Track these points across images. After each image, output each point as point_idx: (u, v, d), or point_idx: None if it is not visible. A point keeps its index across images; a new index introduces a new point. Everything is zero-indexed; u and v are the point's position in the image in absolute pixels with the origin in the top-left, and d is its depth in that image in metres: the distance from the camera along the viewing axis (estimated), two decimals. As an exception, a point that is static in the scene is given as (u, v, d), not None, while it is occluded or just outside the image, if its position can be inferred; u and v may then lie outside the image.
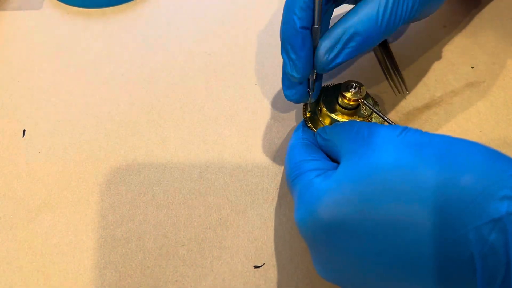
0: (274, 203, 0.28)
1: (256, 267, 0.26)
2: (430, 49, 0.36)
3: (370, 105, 0.26)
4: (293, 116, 0.33)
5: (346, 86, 0.26)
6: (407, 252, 0.18)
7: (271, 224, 0.28)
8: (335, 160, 0.24)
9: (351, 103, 0.26)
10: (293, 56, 0.23)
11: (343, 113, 0.27)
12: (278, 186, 0.29)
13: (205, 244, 0.27)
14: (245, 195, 0.29)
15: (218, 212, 0.28)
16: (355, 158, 0.21)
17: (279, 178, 0.30)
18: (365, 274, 0.19)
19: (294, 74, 0.24)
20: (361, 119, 0.27)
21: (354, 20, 0.23)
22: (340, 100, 0.26)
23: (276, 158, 0.30)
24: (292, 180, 0.24)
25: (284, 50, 0.24)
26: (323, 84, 0.29)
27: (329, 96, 0.27)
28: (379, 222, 0.18)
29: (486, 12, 0.39)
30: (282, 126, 0.32)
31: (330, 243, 0.20)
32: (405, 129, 0.20)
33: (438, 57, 0.36)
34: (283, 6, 0.24)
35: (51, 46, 0.38)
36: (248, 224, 0.28)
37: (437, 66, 0.35)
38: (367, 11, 0.23)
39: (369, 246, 0.19)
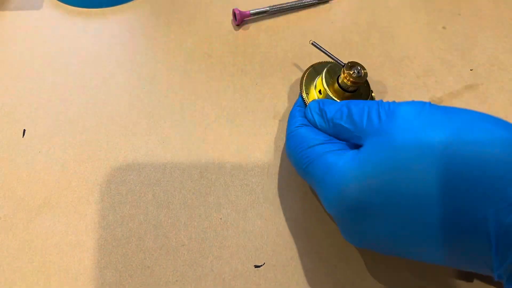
0: (275, 203, 0.29)
1: (256, 266, 0.26)
2: (430, 50, 0.37)
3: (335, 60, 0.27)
4: (293, 116, 0.33)
5: (350, 66, 0.26)
6: (431, 227, 0.19)
7: (271, 224, 0.28)
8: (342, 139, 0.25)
9: (349, 83, 0.26)
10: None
11: (339, 94, 0.27)
12: (278, 185, 0.29)
13: (205, 244, 0.27)
14: (246, 194, 0.29)
15: (219, 212, 0.28)
16: (378, 139, 0.21)
17: (278, 177, 0.30)
18: (391, 242, 0.21)
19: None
20: None
21: None
22: (340, 78, 0.27)
23: (276, 158, 0.31)
24: (305, 167, 0.24)
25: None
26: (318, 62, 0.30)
27: (331, 73, 0.28)
28: (404, 202, 0.19)
29: (486, 14, 0.39)
30: (282, 126, 0.32)
31: (358, 219, 0.21)
32: (424, 105, 0.21)
33: (438, 58, 0.36)
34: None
35: (51, 46, 0.38)
36: (248, 223, 0.28)
37: (437, 68, 0.35)
38: None
39: (395, 222, 0.20)
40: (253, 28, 0.39)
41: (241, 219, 0.28)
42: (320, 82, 0.28)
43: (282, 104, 0.33)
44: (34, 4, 0.41)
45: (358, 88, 0.27)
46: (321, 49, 0.30)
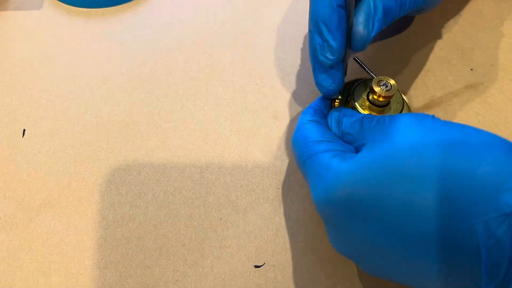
0: (275, 203, 0.29)
1: (256, 267, 0.26)
2: (430, 50, 0.37)
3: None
4: (293, 115, 0.33)
5: (377, 82, 0.26)
6: (417, 236, 0.18)
7: (271, 224, 0.28)
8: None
9: (380, 99, 0.26)
10: (328, 36, 0.24)
11: (372, 110, 0.27)
12: (278, 185, 0.29)
13: (205, 244, 0.27)
14: (246, 194, 0.29)
15: (219, 212, 0.28)
16: (376, 143, 0.21)
17: (279, 177, 0.30)
18: (376, 251, 0.20)
19: (329, 55, 0.24)
20: None
21: None
22: (370, 96, 0.27)
23: (276, 158, 0.31)
24: (304, 159, 0.24)
25: (317, 31, 0.24)
26: (354, 78, 0.30)
27: (360, 91, 0.28)
28: (393, 205, 0.19)
29: (486, 13, 0.39)
30: (282, 126, 0.32)
31: (345, 221, 0.21)
32: (426, 116, 0.21)
33: (438, 58, 0.36)
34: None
35: (51, 46, 0.38)
36: (248, 224, 0.28)
37: (437, 67, 0.35)
38: None
39: (382, 227, 0.19)
40: (252, 27, 0.39)
41: (241, 219, 0.28)
42: (354, 106, 0.28)
43: (282, 104, 0.33)
44: (34, 4, 0.41)
45: (389, 101, 0.27)
46: (362, 64, 0.30)
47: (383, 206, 0.19)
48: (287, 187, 0.29)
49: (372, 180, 0.19)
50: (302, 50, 0.37)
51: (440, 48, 0.37)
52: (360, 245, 0.21)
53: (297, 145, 0.25)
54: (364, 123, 0.24)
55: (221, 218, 0.28)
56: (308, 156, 0.24)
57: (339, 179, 0.21)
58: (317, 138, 0.24)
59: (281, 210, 0.28)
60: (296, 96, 0.34)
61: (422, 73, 0.35)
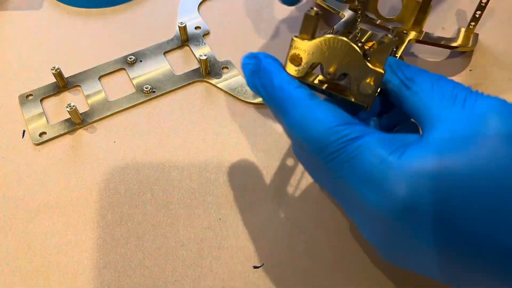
0: (274, 203, 0.29)
1: (255, 267, 0.26)
2: (430, 49, 0.37)
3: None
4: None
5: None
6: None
7: (270, 224, 0.28)
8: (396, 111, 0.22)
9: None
10: None
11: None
12: (278, 185, 0.29)
13: (204, 244, 0.27)
14: (245, 194, 0.29)
15: (218, 211, 0.28)
16: (453, 134, 0.17)
17: (278, 178, 0.30)
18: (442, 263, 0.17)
19: None
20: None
21: None
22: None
23: (276, 158, 0.31)
24: (332, 152, 0.18)
25: None
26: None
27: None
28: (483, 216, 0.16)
29: (486, 14, 0.39)
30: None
31: (409, 230, 0.17)
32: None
33: (438, 58, 0.36)
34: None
35: (51, 46, 0.38)
36: (247, 224, 0.28)
37: (437, 68, 0.35)
38: None
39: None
40: (253, 27, 0.39)
41: (240, 219, 0.28)
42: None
43: (282, 104, 0.33)
44: (34, 4, 0.41)
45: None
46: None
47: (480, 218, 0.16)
48: (286, 187, 0.29)
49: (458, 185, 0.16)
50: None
51: (440, 48, 0.37)
52: (421, 256, 0.18)
53: (305, 131, 0.19)
54: (435, 86, 0.19)
55: (220, 218, 0.28)
56: (338, 146, 0.18)
57: (411, 183, 0.17)
58: (343, 120, 0.19)
59: (280, 210, 0.28)
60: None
61: (422, 73, 0.35)
